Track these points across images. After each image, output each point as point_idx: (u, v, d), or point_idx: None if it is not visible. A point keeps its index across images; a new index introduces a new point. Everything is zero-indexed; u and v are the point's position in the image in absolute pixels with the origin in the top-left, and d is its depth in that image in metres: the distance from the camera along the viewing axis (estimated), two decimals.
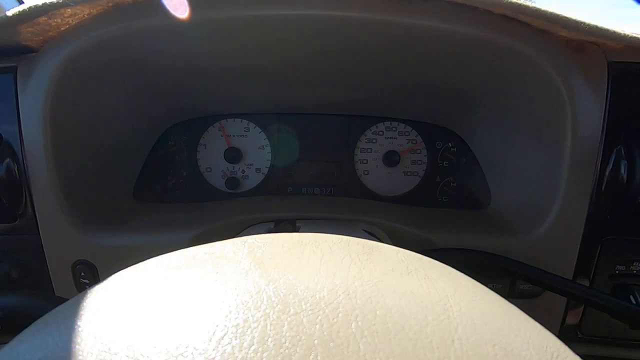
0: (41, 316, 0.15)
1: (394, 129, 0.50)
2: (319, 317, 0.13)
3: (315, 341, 0.12)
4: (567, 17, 0.31)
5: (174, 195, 0.51)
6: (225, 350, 0.11)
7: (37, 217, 0.39)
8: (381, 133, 0.51)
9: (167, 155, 0.51)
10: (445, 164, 0.50)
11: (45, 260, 0.40)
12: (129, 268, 0.17)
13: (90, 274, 0.40)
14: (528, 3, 0.31)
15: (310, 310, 0.13)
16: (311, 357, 0.11)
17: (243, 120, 0.51)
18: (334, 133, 0.51)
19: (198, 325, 0.12)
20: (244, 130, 0.51)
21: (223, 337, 0.12)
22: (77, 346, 0.12)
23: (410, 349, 0.11)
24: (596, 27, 0.33)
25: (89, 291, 0.16)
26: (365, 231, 0.39)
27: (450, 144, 0.50)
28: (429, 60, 0.35)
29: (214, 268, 0.16)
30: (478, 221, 0.44)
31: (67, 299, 0.17)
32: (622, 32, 0.34)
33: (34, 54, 0.37)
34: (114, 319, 0.13)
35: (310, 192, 0.52)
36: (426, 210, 0.47)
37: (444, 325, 0.13)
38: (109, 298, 0.15)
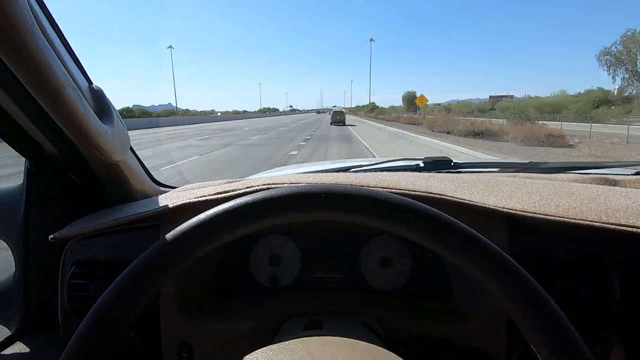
0: None
1: (387, 241, 0.66)
2: None
3: None
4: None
5: (235, 288, 0.68)
6: None
7: (160, 310, 0.56)
8: (379, 244, 0.66)
9: (229, 263, 0.68)
10: (423, 266, 0.65)
11: (161, 339, 0.57)
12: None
13: (188, 351, 0.56)
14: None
15: None
16: None
17: (283, 236, 0.67)
18: (345, 245, 0.67)
19: None
20: (283, 243, 0.67)
21: None
22: None
23: None
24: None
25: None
26: (363, 323, 0.55)
27: (427, 253, 0.65)
28: None
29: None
30: (442, 312, 0.60)
31: None
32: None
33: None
34: None
35: (329, 287, 0.68)
36: (407, 303, 0.62)
37: None
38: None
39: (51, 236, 0.57)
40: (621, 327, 0.51)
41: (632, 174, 0.81)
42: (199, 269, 0.62)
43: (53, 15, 0.50)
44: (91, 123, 0.42)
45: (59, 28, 0.51)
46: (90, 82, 0.56)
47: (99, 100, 0.52)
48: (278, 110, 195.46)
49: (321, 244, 0.68)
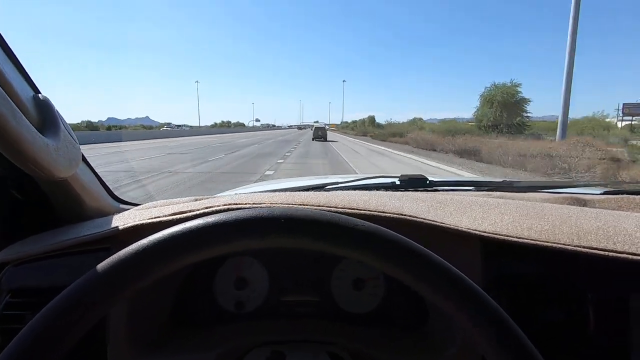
0: None
1: (359, 261, 0.58)
2: None
3: None
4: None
5: (196, 314, 0.63)
6: None
7: (108, 343, 0.51)
8: (351, 264, 0.62)
9: (191, 287, 0.63)
10: (397, 289, 0.62)
11: None
12: None
13: None
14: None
15: None
16: None
17: (249, 257, 0.63)
18: (315, 266, 0.63)
19: None
20: (250, 265, 0.63)
21: None
22: None
23: None
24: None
25: None
26: (330, 354, 0.52)
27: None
28: None
29: None
30: (415, 340, 0.57)
31: None
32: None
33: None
34: None
35: (298, 311, 0.63)
36: (379, 331, 0.59)
37: None
38: None
39: None
40: (594, 351, 0.50)
41: (600, 194, 0.83)
42: (155, 295, 0.56)
43: None
44: (24, 134, 0.38)
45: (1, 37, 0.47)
46: (36, 92, 0.51)
47: (44, 111, 0.48)
48: (244, 124, 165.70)
49: (290, 265, 0.65)
